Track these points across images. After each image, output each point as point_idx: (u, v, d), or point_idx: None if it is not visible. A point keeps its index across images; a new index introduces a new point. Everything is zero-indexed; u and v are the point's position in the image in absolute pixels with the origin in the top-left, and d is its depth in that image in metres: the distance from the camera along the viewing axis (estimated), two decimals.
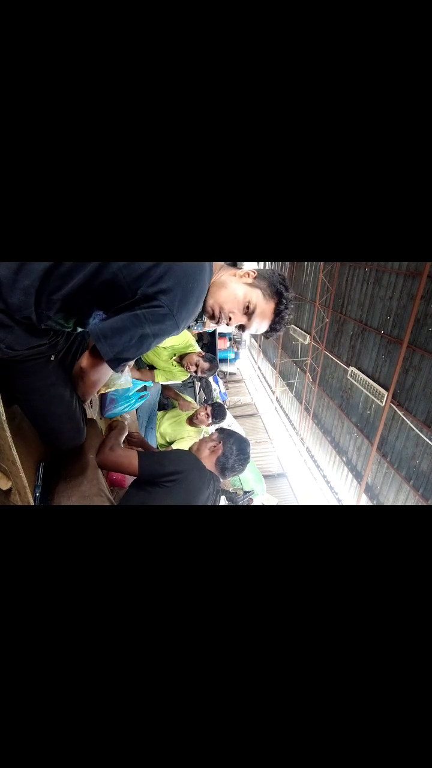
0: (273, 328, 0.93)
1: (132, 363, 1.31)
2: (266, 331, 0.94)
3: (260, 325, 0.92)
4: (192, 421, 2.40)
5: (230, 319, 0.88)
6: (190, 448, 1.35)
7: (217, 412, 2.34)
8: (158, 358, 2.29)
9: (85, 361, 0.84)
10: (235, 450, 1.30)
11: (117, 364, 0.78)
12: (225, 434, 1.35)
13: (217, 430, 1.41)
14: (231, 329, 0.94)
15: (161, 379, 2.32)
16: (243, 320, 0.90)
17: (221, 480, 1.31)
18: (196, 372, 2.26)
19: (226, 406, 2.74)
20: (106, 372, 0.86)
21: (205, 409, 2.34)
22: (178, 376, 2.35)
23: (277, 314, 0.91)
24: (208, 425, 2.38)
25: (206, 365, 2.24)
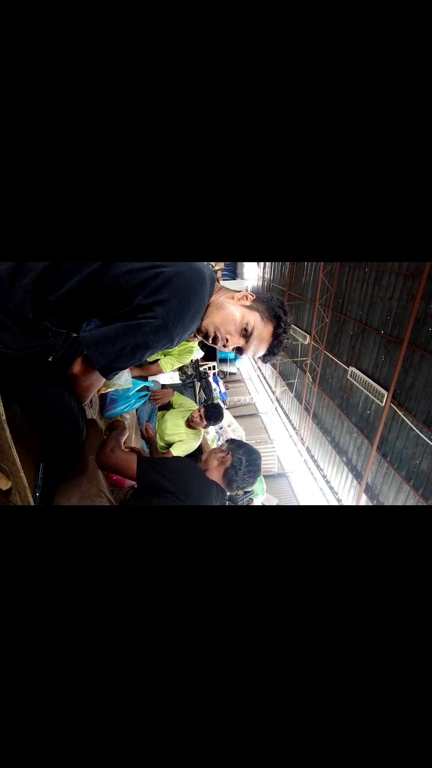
0: (271, 351, 0.92)
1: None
2: (264, 355, 0.93)
3: (258, 348, 0.91)
4: (189, 423, 2.37)
5: (227, 341, 0.87)
6: (198, 460, 1.32)
7: (212, 413, 2.25)
8: None
9: (76, 367, 0.83)
10: (244, 461, 1.24)
11: (108, 372, 0.77)
12: (234, 445, 1.31)
13: (227, 441, 1.37)
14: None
15: (168, 368, 2.27)
16: (240, 343, 0.89)
17: (228, 493, 1.27)
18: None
19: (225, 406, 2.69)
20: (98, 379, 0.85)
21: (199, 410, 2.29)
22: (184, 357, 2.29)
23: (276, 337, 0.90)
24: (204, 427, 2.34)
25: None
